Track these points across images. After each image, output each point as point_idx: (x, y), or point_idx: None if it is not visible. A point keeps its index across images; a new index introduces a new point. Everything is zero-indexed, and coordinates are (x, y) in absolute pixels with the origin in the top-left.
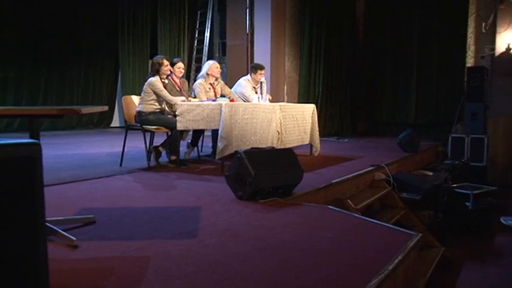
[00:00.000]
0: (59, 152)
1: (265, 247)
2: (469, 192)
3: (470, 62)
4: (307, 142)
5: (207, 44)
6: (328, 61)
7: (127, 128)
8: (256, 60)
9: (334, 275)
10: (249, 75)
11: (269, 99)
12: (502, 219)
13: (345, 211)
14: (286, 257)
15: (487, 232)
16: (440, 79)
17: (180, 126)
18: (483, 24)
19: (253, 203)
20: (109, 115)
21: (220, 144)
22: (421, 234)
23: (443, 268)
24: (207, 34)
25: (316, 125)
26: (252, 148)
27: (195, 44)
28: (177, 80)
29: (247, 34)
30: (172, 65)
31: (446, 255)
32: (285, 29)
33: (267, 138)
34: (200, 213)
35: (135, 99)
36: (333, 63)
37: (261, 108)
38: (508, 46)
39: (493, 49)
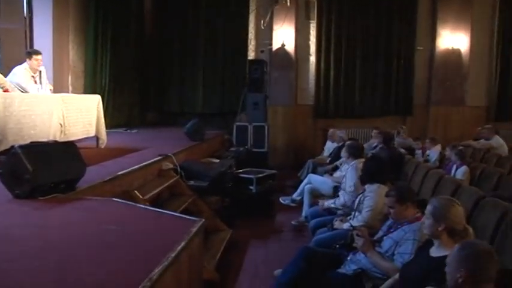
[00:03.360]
0: None
1: (46, 248)
2: (252, 176)
3: (251, 55)
4: (93, 134)
5: None
6: (115, 50)
7: None
8: (37, 48)
9: (119, 270)
10: (25, 63)
11: (50, 90)
12: (280, 199)
13: (131, 202)
14: (69, 257)
15: (269, 212)
16: (225, 71)
17: None
18: (262, 21)
19: (32, 201)
20: None
21: None
22: (203, 220)
23: (232, 249)
24: None
25: (102, 116)
26: (31, 142)
27: None
28: None
29: (25, 18)
30: None
31: (234, 237)
32: (68, 14)
33: (49, 132)
34: None
35: None
36: (120, 53)
37: (40, 99)
38: (283, 42)
39: (271, 44)
